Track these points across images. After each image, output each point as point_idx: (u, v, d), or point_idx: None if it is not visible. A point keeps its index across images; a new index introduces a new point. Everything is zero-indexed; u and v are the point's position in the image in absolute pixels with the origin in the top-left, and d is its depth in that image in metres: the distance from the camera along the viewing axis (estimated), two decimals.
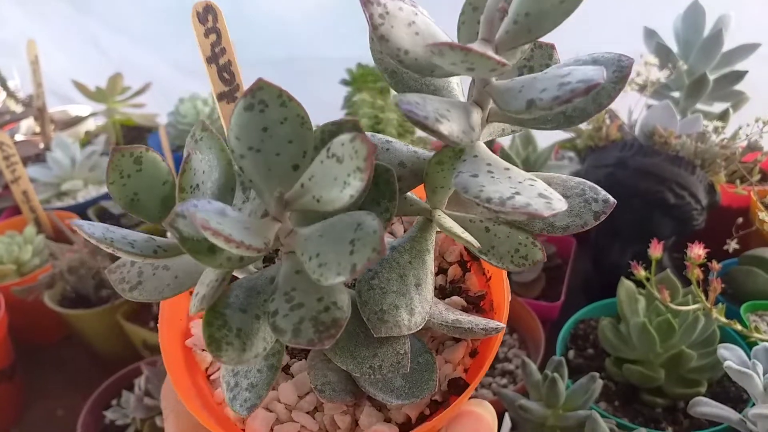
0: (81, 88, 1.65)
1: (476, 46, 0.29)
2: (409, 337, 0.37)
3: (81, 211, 1.35)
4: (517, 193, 0.29)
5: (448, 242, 0.48)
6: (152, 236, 0.35)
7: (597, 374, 0.70)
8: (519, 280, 1.05)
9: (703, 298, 0.72)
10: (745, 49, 1.12)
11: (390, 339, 0.36)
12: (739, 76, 1.12)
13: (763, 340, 0.72)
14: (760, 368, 0.63)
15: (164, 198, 0.36)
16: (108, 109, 1.70)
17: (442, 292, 0.47)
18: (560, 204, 0.29)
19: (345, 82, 1.33)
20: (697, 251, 0.67)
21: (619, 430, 0.69)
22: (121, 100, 1.71)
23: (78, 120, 1.71)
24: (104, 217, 1.36)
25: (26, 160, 1.47)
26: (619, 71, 0.32)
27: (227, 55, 0.42)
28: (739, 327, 0.73)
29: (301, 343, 0.29)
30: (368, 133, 0.35)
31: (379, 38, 0.30)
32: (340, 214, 0.30)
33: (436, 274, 0.47)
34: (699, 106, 1.15)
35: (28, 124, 1.75)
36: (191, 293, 0.39)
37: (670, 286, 0.82)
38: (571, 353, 0.88)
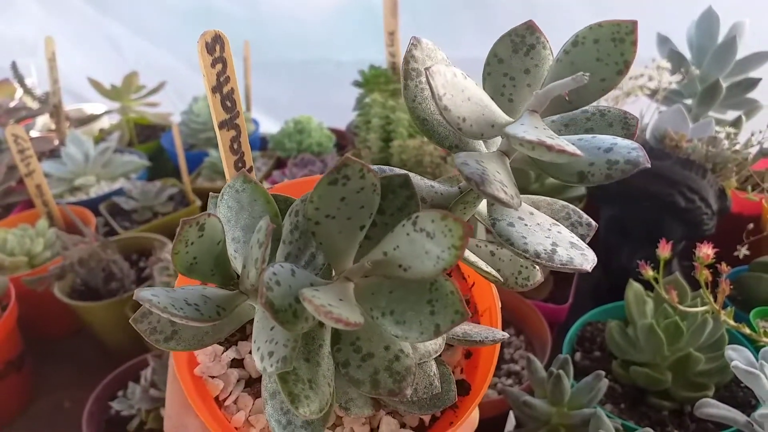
0: (96, 85, 1.67)
1: (529, 121, 0.33)
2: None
3: (93, 206, 1.36)
4: (555, 245, 0.34)
5: None
6: (205, 295, 0.36)
7: (603, 373, 0.69)
8: None
9: (712, 300, 0.72)
10: (759, 57, 1.11)
11: (420, 363, 0.37)
12: (753, 83, 1.11)
13: None
14: (767, 369, 0.62)
15: (217, 257, 0.37)
16: (122, 107, 1.72)
17: None
18: (592, 255, 0.34)
19: (357, 84, 1.33)
20: (705, 251, 0.66)
21: (624, 431, 0.68)
22: (136, 99, 1.73)
23: (93, 118, 1.73)
24: (115, 212, 1.37)
25: (41, 156, 1.48)
26: (627, 129, 0.35)
27: (230, 84, 0.43)
28: (747, 331, 0.72)
29: (382, 394, 0.31)
30: (385, 167, 0.38)
31: (442, 109, 0.32)
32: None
33: None
34: (712, 113, 1.14)
35: (43, 121, 1.78)
36: None
37: (678, 288, 0.81)
38: (578, 355, 0.87)
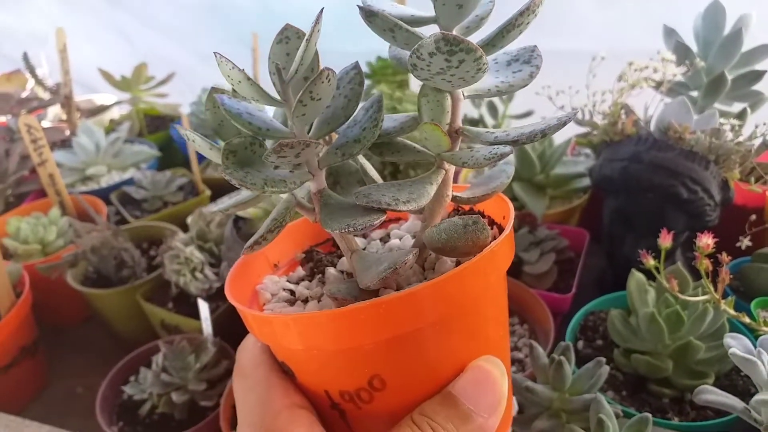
0: (106, 76, 1.69)
1: None
2: (381, 218, 0.41)
3: (104, 195, 1.38)
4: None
5: None
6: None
7: (603, 359, 0.70)
8: (531, 272, 1.07)
9: (712, 289, 0.73)
10: (765, 49, 1.11)
11: (370, 211, 0.41)
12: (758, 75, 1.11)
13: None
14: (765, 357, 0.63)
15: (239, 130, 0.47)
16: (132, 97, 1.74)
17: None
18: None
19: (365, 75, 1.34)
20: (706, 241, 0.67)
21: (624, 416, 0.70)
22: (145, 90, 1.75)
23: (103, 108, 1.75)
24: (126, 201, 1.39)
25: (53, 146, 1.51)
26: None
27: None
28: (747, 320, 0.73)
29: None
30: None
31: (366, 7, 0.41)
32: None
33: None
34: (717, 105, 1.15)
35: (55, 112, 1.80)
36: (275, 266, 0.54)
37: (680, 278, 0.82)
38: (581, 344, 0.89)
